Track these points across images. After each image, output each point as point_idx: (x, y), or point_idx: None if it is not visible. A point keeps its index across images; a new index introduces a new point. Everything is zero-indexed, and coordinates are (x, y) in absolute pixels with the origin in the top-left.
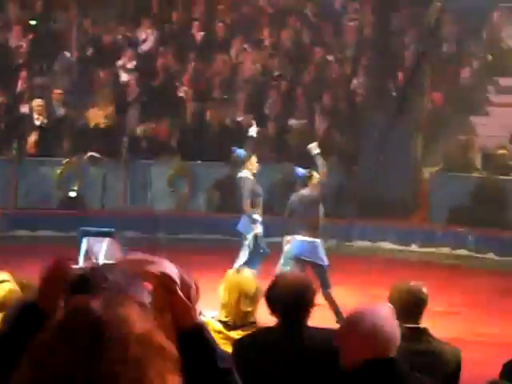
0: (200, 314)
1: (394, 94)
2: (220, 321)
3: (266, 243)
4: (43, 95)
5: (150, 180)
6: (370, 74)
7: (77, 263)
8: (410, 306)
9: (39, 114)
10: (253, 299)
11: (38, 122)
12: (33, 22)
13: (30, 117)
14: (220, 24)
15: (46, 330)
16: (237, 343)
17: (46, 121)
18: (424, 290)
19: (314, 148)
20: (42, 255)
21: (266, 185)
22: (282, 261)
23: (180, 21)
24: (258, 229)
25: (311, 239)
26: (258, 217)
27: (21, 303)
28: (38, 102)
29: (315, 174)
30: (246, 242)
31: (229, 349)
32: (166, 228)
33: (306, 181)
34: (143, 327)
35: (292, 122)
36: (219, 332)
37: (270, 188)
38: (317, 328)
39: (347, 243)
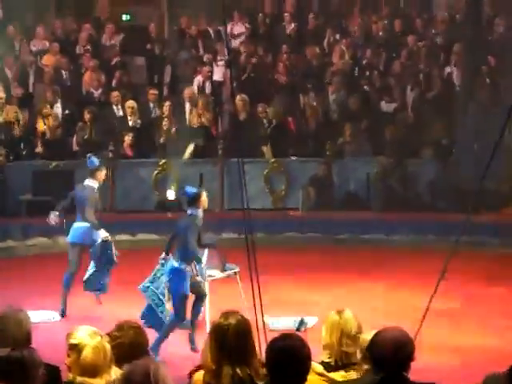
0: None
1: (487, 80)
2: (322, 362)
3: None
4: (138, 95)
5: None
6: (463, 62)
7: None
8: None
9: (132, 116)
10: (354, 339)
11: (131, 123)
12: (126, 17)
13: (124, 118)
14: (311, 15)
15: None
16: None
17: (139, 121)
18: None
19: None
20: (142, 260)
21: (362, 178)
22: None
23: (271, 13)
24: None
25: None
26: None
27: None
28: (130, 104)
29: (205, 194)
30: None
31: None
32: (263, 228)
33: (194, 200)
34: None
35: (383, 105)
36: (321, 374)
37: (366, 181)
38: (421, 383)
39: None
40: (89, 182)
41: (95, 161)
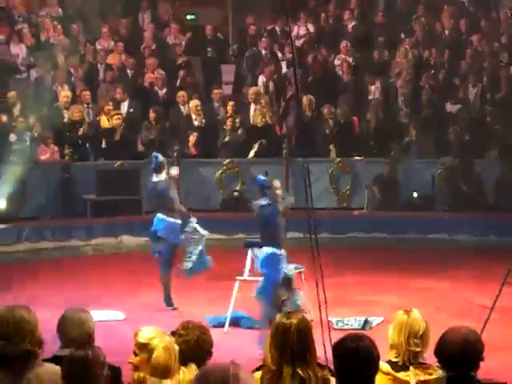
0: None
1: None
2: (389, 361)
3: None
4: (202, 95)
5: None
6: None
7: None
8: None
9: (197, 115)
10: (422, 339)
11: (196, 123)
12: (190, 17)
13: (189, 117)
14: (380, 14)
15: None
16: None
17: (204, 121)
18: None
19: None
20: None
21: (427, 178)
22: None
23: (335, 13)
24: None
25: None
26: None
27: None
28: (195, 103)
29: (277, 183)
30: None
31: None
32: (328, 227)
33: (266, 190)
34: None
35: (448, 105)
36: (387, 373)
37: (431, 181)
38: (486, 381)
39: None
40: (156, 177)
41: (160, 156)
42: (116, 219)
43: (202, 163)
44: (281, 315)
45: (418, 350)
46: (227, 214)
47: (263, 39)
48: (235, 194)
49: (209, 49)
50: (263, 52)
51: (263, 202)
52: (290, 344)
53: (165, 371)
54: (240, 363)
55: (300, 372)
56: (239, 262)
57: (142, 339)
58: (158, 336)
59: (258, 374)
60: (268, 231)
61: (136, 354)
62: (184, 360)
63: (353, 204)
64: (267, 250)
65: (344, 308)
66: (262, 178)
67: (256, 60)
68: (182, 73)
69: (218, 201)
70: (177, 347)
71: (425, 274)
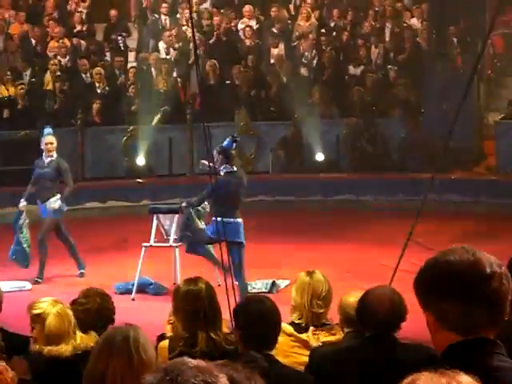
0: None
1: (455, 40)
2: (292, 322)
3: None
4: (104, 62)
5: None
6: (431, 21)
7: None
8: None
9: (99, 82)
10: (325, 300)
11: (99, 91)
12: None
13: (92, 85)
14: None
15: None
16: (316, 354)
17: (107, 88)
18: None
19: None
20: (113, 227)
21: (332, 139)
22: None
23: None
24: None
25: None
26: None
27: None
28: (98, 70)
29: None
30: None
31: (300, 352)
32: None
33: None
34: None
35: (351, 68)
36: (290, 335)
37: (336, 143)
38: (408, 343)
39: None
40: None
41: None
42: (21, 189)
43: (106, 131)
44: (185, 282)
45: (321, 311)
46: (132, 182)
47: (163, 5)
48: (139, 161)
49: (111, 15)
50: (163, 17)
51: (226, 169)
52: (203, 309)
53: (58, 337)
54: (143, 328)
55: (213, 335)
56: (145, 228)
57: (34, 311)
58: (50, 304)
59: (165, 343)
60: (230, 200)
61: (33, 328)
62: (86, 328)
63: (258, 168)
64: (233, 220)
65: (251, 271)
66: (229, 142)
67: (157, 26)
68: (83, 41)
69: (123, 168)
70: (70, 313)
71: (330, 236)
